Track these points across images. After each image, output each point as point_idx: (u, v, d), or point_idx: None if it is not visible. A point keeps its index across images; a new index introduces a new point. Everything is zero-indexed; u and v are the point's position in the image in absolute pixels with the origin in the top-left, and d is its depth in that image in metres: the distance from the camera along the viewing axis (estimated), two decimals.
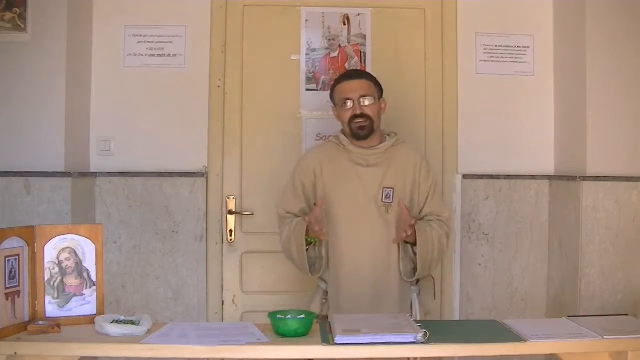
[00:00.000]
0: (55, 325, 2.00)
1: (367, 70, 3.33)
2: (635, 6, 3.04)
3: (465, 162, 3.39)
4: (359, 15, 3.41)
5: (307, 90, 3.39)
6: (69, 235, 2.14)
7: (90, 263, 2.16)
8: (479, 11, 3.41)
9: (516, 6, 3.41)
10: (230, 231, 3.34)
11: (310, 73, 3.39)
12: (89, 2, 3.28)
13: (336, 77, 2.79)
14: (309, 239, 2.55)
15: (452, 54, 3.40)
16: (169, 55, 3.33)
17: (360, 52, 3.40)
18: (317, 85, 3.38)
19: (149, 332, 1.99)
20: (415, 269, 2.56)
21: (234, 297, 3.36)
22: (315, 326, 2.06)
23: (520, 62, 3.42)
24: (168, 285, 3.28)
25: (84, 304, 2.14)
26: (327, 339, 1.93)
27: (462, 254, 3.37)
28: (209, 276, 3.31)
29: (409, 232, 2.47)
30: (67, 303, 2.12)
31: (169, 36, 3.33)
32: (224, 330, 2.07)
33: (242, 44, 3.38)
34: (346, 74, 2.72)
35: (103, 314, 2.14)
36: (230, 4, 3.38)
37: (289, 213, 2.67)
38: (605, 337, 1.94)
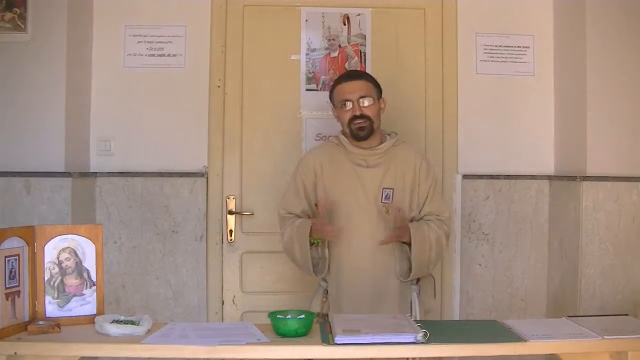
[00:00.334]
0: (55, 325, 2.00)
1: (367, 70, 3.34)
2: (635, 6, 3.04)
3: (465, 162, 3.39)
4: (359, 15, 3.41)
5: (307, 90, 3.39)
6: (69, 235, 2.14)
7: (90, 263, 2.16)
8: (479, 11, 3.41)
9: (516, 6, 3.41)
10: (230, 231, 3.34)
11: (310, 73, 3.39)
12: (89, 2, 3.28)
13: (335, 78, 2.79)
14: (312, 240, 2.55)
15: (452, 54, 3.40)
16: (169, 55, 3.33)
17: (360, 52, 3.40)
18: (317, 85, 3.38)
19: (149, 332, 1.99)
20: (410, 269, 2.56)
21: (234, 297, 3.36)
22: (315, 326, 2.06)
23: (520, 62, 3.42)
24: (168, 285, 3.28)
25: (84, 304, 2.14)
26: (327, 339, 1.93)
27: (462, 254, 3.37)
28: (209, 276, 3.31)
29: (396, 234, 2.49)
30: (67, 303, 2.12)
31: (169, 36, 3.33)
32: (224, 330, 2.07)
33: (242, 44, 3.38)
34: (345, 75, 2.72)
35: (103, 314, 2.14)
36: (230, 4, 3.38)
37: (290, 213, 2.67)
38: (605, 337, 1.94)
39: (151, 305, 3.25)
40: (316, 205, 2.65)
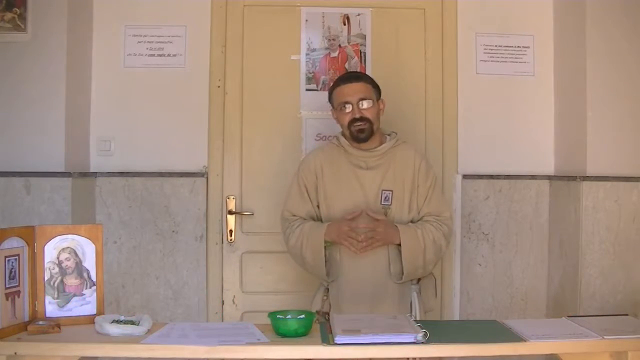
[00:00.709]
0: (55, 325, 2.00)
1: (367, 70, 3.34)
2: (635, 7, 3.04)
3: (465, 162, 3.39)
4: (359, 15, 3.41)
5: (307, 90, 3.39)
6: (69, 235, 2.14)
7: (90, 263, 2.16)
8: (479, 11, 3.41)
9: (516, 6, 3.41)
10: (230, 231, 3.34)
11: (310, 73, 3.39)
12: (89, 2, 3.28)
13: (334, 80, 2.78)
14: (326, 245, 2.55)
15: (452, 54, 3.40)
16: (169, 55, 3.33)
17: (360, 52, 3.40)
18: (317, 85, 3.38)
19: (149, 332, 1.99)
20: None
21: (234, 297, 3.36)
22: (315, 326, 2.06)
23: (520, 62, 3.41)
24: (168, 285, 3.28)
25: (84, 304, 2.14)
26: (327, 339, 1.93)
27: (462, 254, 3.37)
28: (209, 276, 3.31)
29: (372, 239, 2.49)
30: (67, 303, 2.12)
31: (169, 36, 3.33)
32: (224, 330, 2.07)
33: (242, 44, 3.38)
34: (344, 77, 2.71)
35: (103, 314, 2.14)
36: (230, 4, 3.38)
37: (295, 216, 2.66)
38: (605, 337, 1.94)
39: (151, 305, 3.25)
40: (318, 206, 2.66)
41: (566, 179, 3.18)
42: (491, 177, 3.37)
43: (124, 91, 3.31)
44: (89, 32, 3.28)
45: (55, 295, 2.11)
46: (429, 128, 3.41)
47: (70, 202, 2.94)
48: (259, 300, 3.31)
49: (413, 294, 2.64)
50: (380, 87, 2.70)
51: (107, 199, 3.26)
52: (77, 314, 2.12)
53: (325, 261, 2.59)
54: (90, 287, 2.16)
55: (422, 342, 1.88)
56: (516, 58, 3.41)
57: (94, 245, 2.17)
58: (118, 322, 2.02)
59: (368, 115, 2.58)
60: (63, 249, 2.13)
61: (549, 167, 3.39)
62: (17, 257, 2.02)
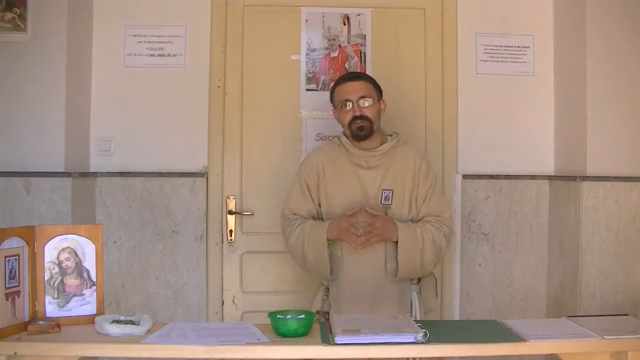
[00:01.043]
0: (55, 325, 2.00)
1: (367, 70, 3.34)
2: (635, 7, 3.04)
3: (465, 162, 3.39)
4: (359, 15, 3.41)
5: (307, 90, 3.39)
6: (69, 235, 2.14)
7: (90, 263, 2.16)
8: (479, 11, 3.41)
9: (516, 6, 3.41)
10: (230, 231, 3.34)
11: (310, 73, 3.39)
12: (89, 2, 3.28)
13: (336, 79, 2.79)
14: (329, 243, 2.55)
15: (452, 54, 3.40)
16: (169, 55, 3.33)
17: (360, 52, 3.40)
18: (317, 85, 3.38)
19: (149, 332, 1.99)
20: None
21: (234, 297, 3.36)
22: (315, 326, 2.07)
23: (520, 62, 3.41)
24: (168, 285, 3.28)
25: (84, 304, 2.14)
26: (327, 339, 1.93)
27: (462, 254, 3.37)
28: (209, 276, 3.31)
29: (370, 234, 2.47)
30: (67, 303, 2.12)
31: (169, 36, 3.33)
32: (224, 330, 2.07)
33: (242, 44, 3.38)
34: (345, 76, 2.73)
35: (103, 314, 2.14)
36: (230, 4, 3.38)
37: (295, 215, 2.66)
38: (605, 337, 1.94)
39: (151, 305, 3.25)
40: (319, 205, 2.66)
41: (566, 179, 3.18)
42: (491, 177, 3.37)
43: (124, 91, 3.31)
44: (89, 32, 3.28)
45: (55, 295, 2.11)
46: (429, 128, 3.41)
47: (70, 202, 2.94)
48: (259, 300, 3.31)
49: (413, 294, 2.64)
50: (381, 87, 2.70)
51: (107, 199, 3.26)
52: (77, 314, 2.12)
53: (339, 259, 2.59)
54: (90, 287, 2.16)
55: (422, 342, 1.88)
56: (516, 58, 3.41)
57: (94, 245, 2.17)
58: (118, 322, 2.02)
59: (368, 113, 2.59)
60: (63, 249, 2.13)
61: (549, 167, 3.39)
62: (17, 257, 2.02)
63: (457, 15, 3.40)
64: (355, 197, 2.59)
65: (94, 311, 2.14)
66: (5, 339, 1.91)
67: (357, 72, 3.09)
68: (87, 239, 2.16)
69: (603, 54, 3.03)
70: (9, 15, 2.97)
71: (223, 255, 3.36)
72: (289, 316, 2.02)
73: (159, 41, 3.33)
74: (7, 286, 1.97)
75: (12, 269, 1.99)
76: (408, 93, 3.39)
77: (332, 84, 2.78)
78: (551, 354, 2.00)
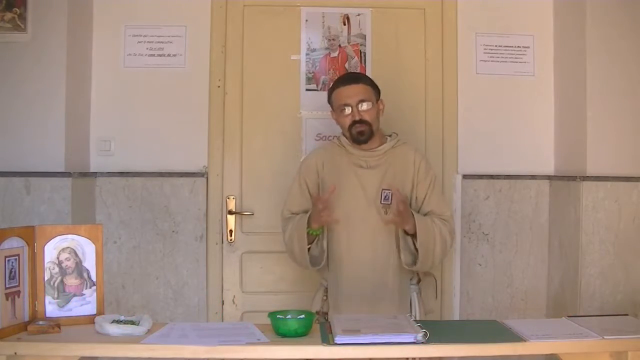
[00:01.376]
0: (55, 325, 2.00)
1: (367, 70, 3.34)
2: (636, 6, 3.04)
3: (465, 162, 3.39)
4: (359, 15, 3.41)
5: (307, 90, 3.39)
6: (69, 235, 2.14)
7: (90, 263, 2.16)
8: (479, 11, 3.41)
9: (516, 6, 3.41)
10: (230, 231, 3.34)
11: (310, 73, 3.39)
12: (89, 2, 3.28)
13: (333, 81, 2.77)
14: (310, 231, 2.55)
15: (452, 54, 3.40)
16: (169, 55, 3.33)
17: (360, 52, 3.40)
18: (317, 85, 3.38)
19: (149, 332, 1.99)
20: (414, 262, 2.55)
21: (234, 297, 3.36)
22: (315, 326, 2.07)
23: (520, 62, 3.41)
24: (168, 285, 3.28)
25: (84, 304, 2.14)
26: (327, 339, 1.94)
27: (462, 254, 3.37)
28: (209, 276, 3.31)
29: (401, 208, 2.45)
30: (67, 303, 2.12)
31: (169, 36, 3.33)
32: (224, 330, 2.07)
33: (242, 44, 3.38)
34: (343, 79, 2.69)
35: (103, 314, 2.14)
36: (230, 4, 3.38)
37: (293, 214, 2.67)
38: (605, 337, 1.94)
39: (151, 305, 3.25)
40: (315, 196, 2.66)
41: (566, 179, 3.18)
42: (491, 177, 3.37)
43: (124, 91, 3.31)
44: (89, 32, 3.28)
45: (55, 295, 2.11)
46: (429, 128, 3.41)
47: (70, 202, 2.94)
48: (259, 300, 3.31)
49: (413, 294, 2.64)
50: (381, 87, 2.70)
51: (107, 199, 3.26)
52: (77, 314, 2.12)
53: (323, 251, 2.59)
54: (90, 287, 2.16)
55: (422, 342, 1.89)
56: (516, 58, 3.41)
57: (94, 245, 2.17)
58: (118, 322, 2.02)
59: (367, 117, 2.58)
60: (63, 249, 2.13)
61: (549, 167, 3.39)
62: (17, 257, 2.02)
63: (457, 15, 3.40)
64: (355, 197, 2.59)
65: (94, 311, 2.14)
66: (5, 339, 1.91)
67: (354, 74, 2.98)
68: (87, 239, 2.16)
69: (603, 54, 3.03)
70: (9, 15, 2.97)
71: (223, 255, 3.36)
72: (289, 316, 2.02)
73: (159, 41, 3.33)
74: (7, 286, 1.97)
75: (12, 269, 1.99)
76: (408, 93, 3.39)
77: (330, 85, 2.77)
78: (551, 354, 2.01)
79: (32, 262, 2.08)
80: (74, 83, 3.09)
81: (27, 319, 2.05)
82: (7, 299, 1.97)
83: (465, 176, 3.37)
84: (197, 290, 3.29)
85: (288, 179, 2.83)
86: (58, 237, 2.13)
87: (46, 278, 2.10)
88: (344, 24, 3.41)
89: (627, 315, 2.44)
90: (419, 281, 2.68)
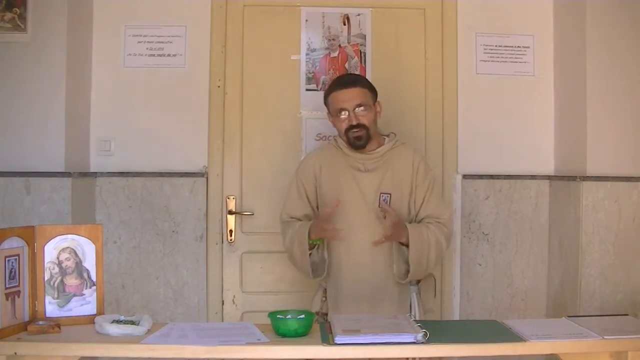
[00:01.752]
0: (55, 325, 2.00)
1: (367, 71, 3.34)
2: (636, 6, 3.04)
3: (465, 162, 3.39)
4: (359, 15, 3.41)
5: (307, 90, 3.39)
6: (69, 235, 2.14)
7: (90, 263, 2.16)
8: (479, 11, 3.41)
9: (516, 6, 3.41)
10: (230, 231, 3.34)
11: (310, 73, 3.39)
12: (89, 2, 3.28)
13: (329, 84, 2.72)
14: (312, 241, 2.54)
15: (452, 54, 3.40)
16: (169, 55, 3.33)
17: (360, 52, 3.40)
18: (317, 85, 3.38)
19: (149, 332, 1.99)
20: (408, 271, 2.55)
21: (234, 297, 3.36)
22: (315, 326, 2.06)
23: (520, 62, 3.41)
24: (168, 285, 3.28)
25: (84, 304, 2.14)
26: (327, 339, 1.93)
27: (462, 254, 3.37)
28: (209, 276, 3.31)
29: (389, 233, 2.46)
30: (67, 303, 2.12)
31: (169, 36, 3.33)
32: (224, 330, 2.07)
33: (242, 44, 3.38)
34: (340, 82, 2.64)
35: (103, 314, 2.14)
36: (230, 4, 3.38)
37: (292, 218, 2.66)
38: (605, 337, 1.94)
39: (151, 305, 3.25)
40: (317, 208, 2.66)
41: (566, 179, 3.18)
42: (491, 177, 3.37)
43: (124, 91, 3.31)
44: (89, 32, 3.28)
45: (55, 295, 2.11)
46: (429, 128, 3.41)
47: (70, 202, 2.94)
48: (259, 300, 3.31)
49: (413, 295, 2.63)
50: (380, 88, 2.69)
51: (107, 199, 3.26)
52: (77, 314, 2.12)
53: (324, 261, 2.59)
54: (90, 287, 2.16)
55: (422, 342, 1.88)
56: (516, 58, 3.41)
57: (94, 245, 2.17)
58: (118, 322, 2.02)
59: (365, 121, 2.55)
60: (63, 249, 2.13)
61: (549, 167, 3.39)
62: (17, 257, 2.02)
63: (457, 15, 3.40)
64: (353, 200, 2.58)
65: (94, 311, 2.14)
66: (5, 339, 1.91)
67: (351, 77, 2.82)
68: (87, 239, 2.16)
69: (603, 54, 3.03)
70: (9, 15, 2.97)
71: (223, 255, 3.36)
72: (289, 316, 2.02)
73: (159, 41, 3.33)
74: (7, 286, 1.97)
75: (12, 269, 1.99)
76: (408, 93, 3.39)
77: (326, 88, 2.72)
78: (551, 354, 2.00)
79: (32, 262, 2.08)
80: (74, 83, 3.09)
81: (27, 319, 2.05)
82: (7, 299, 1.97)
83: (465, 176, 3.37)
84: (197, 290, 3.29)
85: (288, 179, 2.83)
86: (58, 237, 2.13)
87: (46, 278, 2.10)
88: (344, 24, 3.41)
89: (627, 315, 2.44)
90: (418, 281, 2.68)
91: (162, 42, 3.33)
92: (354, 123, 2.55)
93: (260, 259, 3.37)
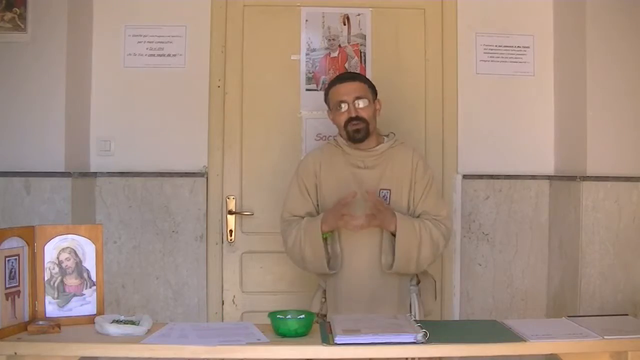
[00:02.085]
0: (55, 325, 2.00)
1: (367, 70, 3.35)
2: (635, 6, 3.04)
3: (465, 162, 3.39)
4: (359, 15, 3.41)
5: (307, 90, 3.39)
6: (69, 235, 2.14)
7: (90, 263, 2.16)
8: (479, 11, 3.41)
9: (516, 6, 3.41)
10: (230, 231, 3.34)
11: (310, 73, 3.39)
12: (89, 2, 3.29)
13: (330, 81, 2.76)
14: (323, 235, 2.52)
15: (452, 54, 3.40)
16: (169, 55, 3.33)
17: (360, 52, 3.40)
18: (317, 85, 3.38)
19: (149, 332, 1.99)
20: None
21: (234, 297, 3.36)
22: (315, 326, 2.06)
23: (520, 62, 3.42)
24: (168, 285, 3.28)
25: (84, 304, 2.14)
26: (327, 339, 1.93)
27: (462, 254, 3.37)
28: (209, 276, 3.31)
29: (375, 210, 2.44)
30: (67, 303, 2.12)
31: (169, 36, 3.33)
32: (224, 330, 2.07)
33: (242, 44, 3.39)
34: (339, 77, 2.69)
35: (103, 314, 2.14)
36: (230, 4, 3.38)
37: (294, 216, 2.65)
38: (605, 337, 1.94)
39: (151, 305, 3.25)
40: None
41: (566, 179, 3.18)
42: (491, 177, 3.37)
43: (124, 91, 3.31)
44: (89, 32, 3.28)
45: (55, 295, 2.11)
46: (429, 128, 3.41)
47: (70, 202, 2.94)
48: (259, 300, 3.32)
49: (413, 295, 2.63)
50: (380, 87, 2.70)
51: (107, 199, 3.26)
52: (77, 314, 2.12)
53: (336, 254, 2.57)
54: (90, 287, 2.16)
55: (422, 342, 1.88)
56: (516, 58, 3.41)
57: (94, 245, 2.17)
58: (118, 322, 2.02)
59: (364, 114, 2.57)
60: (63, 249, 2.13)
61: (549, 167, 3.39)
62: (17, 257, 2.02)
63: (457, 15, 3.40)
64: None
65: (94, 311, 2.14)
66: (5, 339, 1.91)
67: (351, 73, 3.03)
68: (87, 239, 2.16)
69: (603, 54, 3.03)
70: (9, 15, 2.97)
71: (223, 255, 3.36)
72: (289, 316, 2.02)
73: (159, 41, 3.33)
74: (7, 286, 1.97)
75: (12, 269, 1.99)
76: (408, 93, 3.39)
77: (327, 85, 2.75)
78: (551, 354, 2.00)
79: (32, 262, 2.08)
80: (74, 83, 3.09)
81: (27, 319, 2.05)
82: (7, 299, 1.97)
83: (465, 176, 3.37)
84: (197, 290, 3.29)
85: (288, 179, 2.83)
86: (58, 237, 2.13)
87: (46, 278, 2.10)
88: (344, 24, 3.41)
89: (627, 315, 2.45)
90: (418, 282, 2.67)
91: (162, 42, 3.33)
92: (353, 115, 2.56)
93: (260, 259, 3.37)
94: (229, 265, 3.36)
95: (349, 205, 2.47)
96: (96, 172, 3.26)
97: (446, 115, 3.40)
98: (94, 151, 3.29)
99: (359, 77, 2.68)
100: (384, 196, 2.57)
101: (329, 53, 3.40)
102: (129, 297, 3.25)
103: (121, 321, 2.03)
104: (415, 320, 2.10)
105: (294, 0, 3.40)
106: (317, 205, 2.66)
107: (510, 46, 3.41)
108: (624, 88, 3.04)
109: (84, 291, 2.15)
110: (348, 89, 2.58)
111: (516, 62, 3.41)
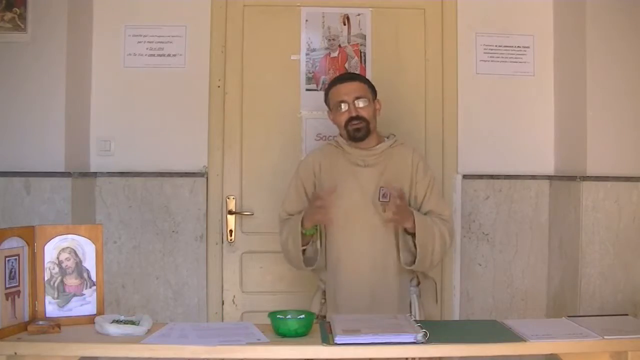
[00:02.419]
0: (55, 325, 2.00)
1: (367, 70, 3.35)
2: (635, 6, 3.04)
3: (465, 162, 3.39)
4: (359, 15, 3.41)
5: (307, 90, 3.39)
6: (69, 235, 2.15)
7: (90, 263, 2.16)
8: (479, 11, 3.41)
9: (516, 6, 3.41)
10: (230, 231, 3.34)
11: (310, 73, 3.39)
12: (89, 2, 3.29)
13: (330, 81, 2.77)
14: (305, 232, 2.54)
15: (452, 54, 3.40)
16: (169, 55, 3.33)
17: (360, 52, 3.40)
18: (317, 85, 3.38)
19: (149, 332, 1.99)
20: (414, 261, 2.54)
21: (234, 297, 3.36)
22: (315, 326, 2.06)
23: (520, 62, 3.42)
24: (168, 285, 3.28)
25: (84, 304, 2.14)
26: (327, 339, 1.93)
27: (462, 254, 3.37)
28: (209, 276, 3.31)
29: (398, 203, 2.45)
30: (67, 303, 2.12)
31: (169, 36, 3.33)
32: (224, 330, 2.07)
33: (242, 44, 3.39)
34: (339, 77, 2.71)
35: (103, 314, 2.14)
36: (230, 4, 3.38)
37: (291, 215, 2.66)
38: (605, 337, 1.94)
39: (151, 305, 3.25)
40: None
41: (566, 179, 3.18)
42: (491, 177, 3.37)
43: (124, 91, 3.31)
44: (89, 32, 3.28)
45: (55, 295, 2.11)
46: (429, 128, 3.41)
47: (70, 202, 2.94)
48: (259, 300, 3.32)
49: (413, 296, 2.63)
50: (380, 87, 2.70)
51: (107, 199, 3.26)
52: (77, 314, 2.12)
53: (316, 250, 2.59)
54: (90, 287, 2.16)
55: (422, 342, 1.88)
56: (516, 58, 3.41)
57: (94, 245, 2.17)
58: (118, 322, 2.02)
59: (364, 114, 2.58)
60: (63, 249, 2.13)
61: (549, 167, 3.39)
62: (17, 257, 2.02)
63: (457, 15, 3.40)
64: (352, 196, 2.58)
65: (94, 311, 2.14)
66: (5, 339, 1.91)
67: (351, 73, 3.07)
68: (87, 239, 2.16)
69: (603, 54, 3.03)
70: (9, 15, 2.97)
71: (223, 255, 3.36)
72: (289, 316, 2.02)
73: (159, 41, 3.33)
74: (7, 286, 1.97)
75: (12, 269, 1.99)
76: (408, 93, 3.39)
77: (327, 85, 2.76)
78: (551, 354, 2.00)
79: (32, 262, 2.08)
80: (74, 83, 3.09)
81: (27, 319, 2.05)
82: (7, 299, 1.97)
83: (465, 176, 3.37)
84: (197, 290, 3.29)
85: (288, 179, 2.83)
86: (58, 237, 2.13)
87: (46, 278, 2.10)
88: (344, 24, 3.41)
89: (627, 315, 2.45)
90: (418, 283, 2.67)
91: (162, 42, 3.33)
92: (354, 115, 2.57)
93: (260, 259, 3.37)
94: (229, 265, 3.36)
95: (325, 200, 2.49)
96: (96, 172, 3.26)
97: (446, 115, 3.40)
98: (94, 151, 3.29)
99: (359, 77, 2.69)
100: (384, 194, 2.57)
101: (329, 53, 3.40)
102: (129, 297, 3.25)
103: (121, 321, 2.03)
104: (415, 320, 2.10)
105: (294, 0, 3.40)
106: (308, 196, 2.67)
107: (510, 46, 3.41)
108: (624, 88, 3.04)
109: (84, 291, 2.15)
110: (348, 89, 2.59)
111: (516, 62, 3.41)
